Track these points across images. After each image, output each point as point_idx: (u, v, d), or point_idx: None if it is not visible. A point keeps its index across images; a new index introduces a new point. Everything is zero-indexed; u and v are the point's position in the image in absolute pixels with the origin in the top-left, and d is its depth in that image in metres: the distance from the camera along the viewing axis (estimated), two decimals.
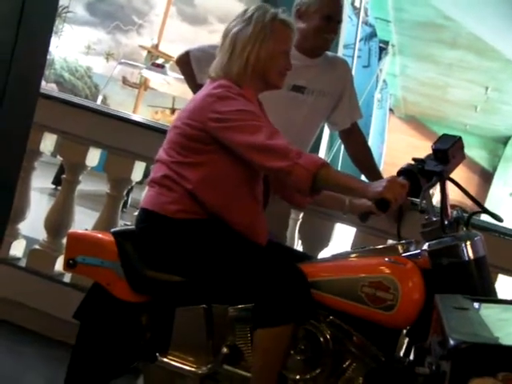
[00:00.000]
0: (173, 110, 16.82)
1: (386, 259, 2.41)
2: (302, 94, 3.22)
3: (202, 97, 2.59)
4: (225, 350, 2.51)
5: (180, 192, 2.54)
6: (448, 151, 2.42)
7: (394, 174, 2.43)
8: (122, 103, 16.14)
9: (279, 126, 2.77)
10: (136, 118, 4.45)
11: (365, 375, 2.40)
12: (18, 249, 4.19)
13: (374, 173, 3.37)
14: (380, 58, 15.32)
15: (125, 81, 17.63)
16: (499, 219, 2.55)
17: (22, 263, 4.14)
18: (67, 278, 3.95)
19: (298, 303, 2.41)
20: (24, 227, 4.27)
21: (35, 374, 3.38)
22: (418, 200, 2.42)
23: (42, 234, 4.19)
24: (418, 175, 2.39)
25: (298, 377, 2.44)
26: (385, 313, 2.33)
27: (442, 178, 2.42)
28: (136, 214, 2.75)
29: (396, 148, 18.62)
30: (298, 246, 3.76)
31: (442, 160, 2.42)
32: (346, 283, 2.42)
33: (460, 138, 2.49)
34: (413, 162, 2.46)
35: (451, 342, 1.49)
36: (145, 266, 2.59)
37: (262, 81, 2.65)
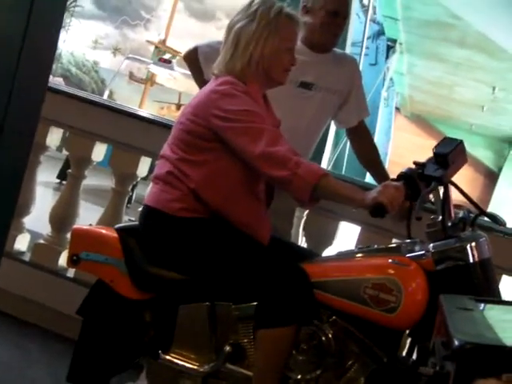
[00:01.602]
0: (179, 106, 16.82)
1: (390, 260, 2.40)
2: (310, 91, 3.21)
3: (207, 93, 2.57)
4: (228, 348, 2.50)
5: (183, 190, 2.53)
6: (448, 156, 2.41)
7: (399, 172, 2.43)
8: (128, 98, 16.14)
9: (286, 123, 2.76)
10: (142, 113, 4.45)
11: (367, 375, 2.39)
12: (22, 243, 4.20)
13: (380, 171, 3.36)
14: (387, 57, 15.26)
15: (131, 76, 17.64)
16: (501, 223, 2.54)
17: (26, 257, 4.14)
18: (71, 272, 3.95)
19: (300, 304, 2.41)
20: (28, 221, 4.27)
21: (38, 367, 3.38)
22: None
23: (46, 229, 4.19)
24: (417, 180, 2.39)
25: (299, 376, 2.44)
26: (387, 315, 2.32)
27: (441, 183, 2.41)
28: (140, 209, 2.75)
29: (402, 146, 18.59)
30: (303, 243, 3.76)
31: (443, 164, 2.41)
32: (349, 284, 2.41)
33: (461, 141, 2.48)
34: (413, 166, 2.45)
35: (456, 343, 1.48)
36: (148, 264, 2.58)
37: (265, 77, 2.63)
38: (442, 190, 2.46)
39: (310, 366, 2.43)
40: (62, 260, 3.95)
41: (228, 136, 2.48)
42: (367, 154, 3.43)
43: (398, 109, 21.02)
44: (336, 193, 2.43)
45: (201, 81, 3.21)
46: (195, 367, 2.55)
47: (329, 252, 3.58)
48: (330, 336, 2.42)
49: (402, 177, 2.41)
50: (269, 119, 2.59)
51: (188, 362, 2.56)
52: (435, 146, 2.47)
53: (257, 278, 2.46)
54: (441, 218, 2.41)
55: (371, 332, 2.40)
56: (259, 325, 2.42)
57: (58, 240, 4.09)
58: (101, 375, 2.70)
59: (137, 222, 2.73)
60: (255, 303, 2.44)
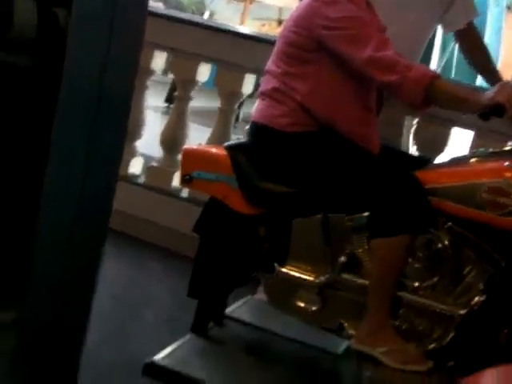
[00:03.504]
0: (279, 22, 16.54)
1: (506, 163, 2.33)
2: None
3: (308, 2, 2.53)
4: (342, 258, 2.52)
5: (290, 104, 2.52)
6: None
7: None
8: (228, 18, 16.01)
9: (390, 29, 2.68)
10: (244, 30, 4.43)
11: (486, 281, 2.36)
12: (136, 166, 4.32)
13: (492, 75, 3.23)
14: None
15: None
16: None
17: (141, 180, 4.26)
18: (185, 192, 4.05)
19: (414, 213, 2.38)
20: (141, 146, 4.37)
21: (159, 285, 3.51)
22: None
23: (158, 152, 4.28)
24: None
25: (416, 284, 2.43)
26: (505, 218, 2.27)
27: None
28: (247, 127, 2.76)
29: None
30: (414, 151, 3.69)
31: None
32: (465, 189, 2.36)
33: None
34: None
35: None
36: (259, 179, 2.60)
37: None
38: None
39: (427, 274, 2.42)
40: (176, 181, 4.05)
41: (334, 45, 2.44)
42: (478, 56, 3.30)
43: (508, 8, 20.04)
44: (450, 94, 2.37)
45: None
46: (311, 278, 2.58)
47: (441, 159, 3.50)
48: (447, 243, 2.39)
49: None
50: (374, 24, 2.52)
51: (304, 274, 2.59)
52: None
53: (369, 187, 2.45)
54: None
55: (488, 237, 2.35)
56: (373, 234, 2.42)
57: (170, 162, 4.19)
58: (220, 290, 2.77)
59: (245, 140, 2.74)
60: (368, 213, 2.44)
